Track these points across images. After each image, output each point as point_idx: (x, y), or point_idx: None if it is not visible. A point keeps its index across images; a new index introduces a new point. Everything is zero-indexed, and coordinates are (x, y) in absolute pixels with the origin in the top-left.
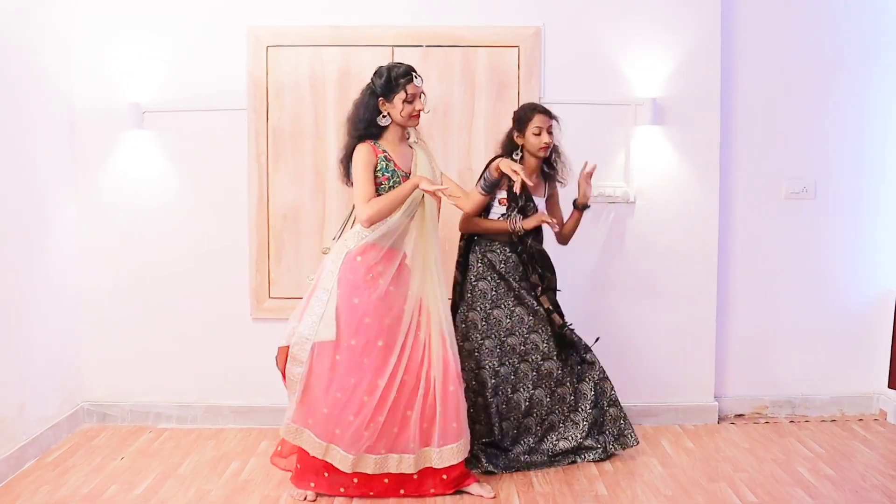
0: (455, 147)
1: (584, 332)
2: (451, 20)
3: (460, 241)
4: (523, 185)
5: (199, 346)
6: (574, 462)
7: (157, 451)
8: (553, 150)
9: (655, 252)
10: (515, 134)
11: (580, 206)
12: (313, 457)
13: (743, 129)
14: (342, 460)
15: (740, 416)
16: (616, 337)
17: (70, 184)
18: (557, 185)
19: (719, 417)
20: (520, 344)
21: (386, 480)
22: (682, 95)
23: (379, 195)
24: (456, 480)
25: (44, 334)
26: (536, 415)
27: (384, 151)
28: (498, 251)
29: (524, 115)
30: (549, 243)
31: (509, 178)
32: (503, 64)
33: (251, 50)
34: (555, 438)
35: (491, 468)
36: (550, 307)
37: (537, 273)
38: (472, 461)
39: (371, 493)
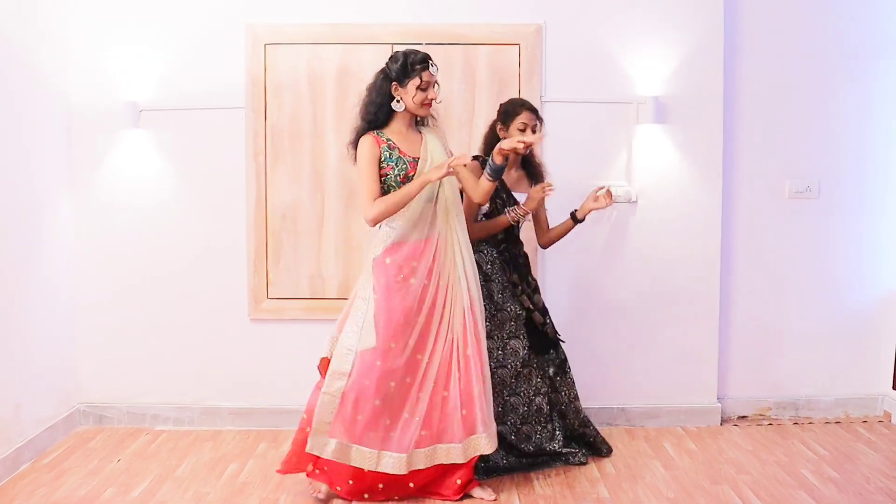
0: (456, 144)
1: (585, 332)
2: (451, 18)
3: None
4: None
5: (197, 347)
6: (551, 466)
7: (154, 453)
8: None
9: (657, 252)
10: (499, 126)
11: (576, 219)
12: (338, 462)
13: (746, 128)
14: (396, 464)
15: (743, 417)
16: (618, 338)
17: (66, 183)
18: (541, 177)
19: (722, 419)
20: (498, 349)
21: (411, 484)
22: (684, 94)
23: (384, 187)
24: (465, 485)
25: (40, 335)
26: (511, 423)
27: (388, 140)
28: (484, 252)
29: (511, 110)
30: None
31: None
32: (504, 62)
33: (249, 48)
34: (531, 448)
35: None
36: (531, 307)
37: (518, 273)
38: None
39: (396, 497)
